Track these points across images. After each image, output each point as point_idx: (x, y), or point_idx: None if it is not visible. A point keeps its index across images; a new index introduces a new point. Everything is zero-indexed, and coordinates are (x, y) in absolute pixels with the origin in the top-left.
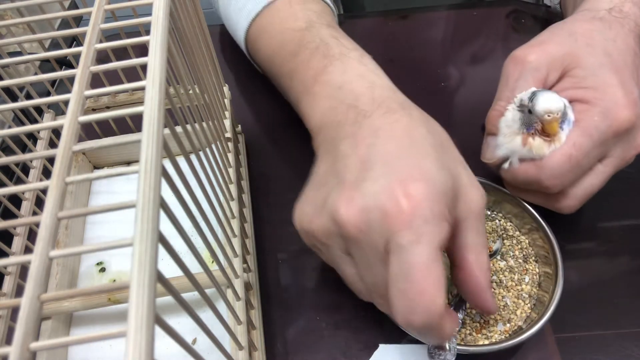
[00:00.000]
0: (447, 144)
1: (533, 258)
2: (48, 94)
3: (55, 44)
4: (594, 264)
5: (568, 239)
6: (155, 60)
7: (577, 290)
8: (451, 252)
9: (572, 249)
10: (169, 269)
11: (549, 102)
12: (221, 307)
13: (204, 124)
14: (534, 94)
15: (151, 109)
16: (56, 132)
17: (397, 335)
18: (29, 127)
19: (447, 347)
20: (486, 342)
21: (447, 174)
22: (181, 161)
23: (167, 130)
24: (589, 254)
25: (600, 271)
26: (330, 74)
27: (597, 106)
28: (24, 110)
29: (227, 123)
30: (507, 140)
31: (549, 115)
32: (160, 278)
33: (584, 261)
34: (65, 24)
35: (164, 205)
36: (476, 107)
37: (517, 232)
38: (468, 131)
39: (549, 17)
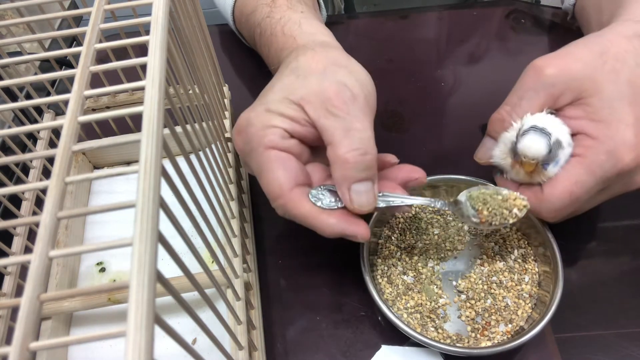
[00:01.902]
0: (305, 71)
1: (532, 257)
2: (48, 94)
3: (55, 44)
4: (594, 264)
5: (568, 239)
6: (154, 60)
7: (577, 290)
8: None
9: (572, 249)
10: (169, 269)
11: (527, 147)
12: (221, 307)
13: (204, 124)
14: (525, 132)
15: (151, 109)
16: (56, 132)
17: (398, 338)
18: (29, 127)
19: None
20: (489, 343)
21: (279, 96)
22: (181, 161)
23: (166, 130)
24: (589, 254)
25: (600, 271)
26: (270, 59)
27: (605, 144)
28: (23, 111)
29: (227, 123)
30: (502, 156)
31: (524, 157)
32: (160, 278)
33: (584, 261)
34: (65, 24)
35: (163, 205)
36: (475, 107)
37: (518, 233)
38: (467, 131)
39: (550, 18)
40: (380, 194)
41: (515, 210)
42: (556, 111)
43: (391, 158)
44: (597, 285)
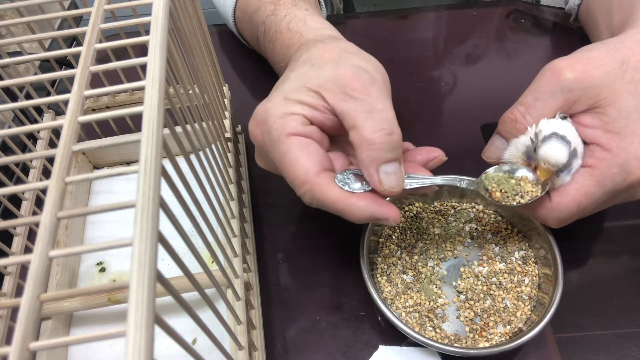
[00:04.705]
0: (319, 61)
1: (532, 260)
2: (48, 94)
3: (55, 44)
4: (594, 264)
5: (568, 238)
6: (154, 60)
7: (577, 290)
8: None
9: (572, 249)
10: (169, 269)
11: (549, 155)
12: (221, 307)
13: (204, 124)
14: (546, 137)
15: (150, 109)
16: (56, 132)
17: (396, 337)
18: (29, 127)
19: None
20: (487, 344)
21: (295, 85)
22: (181, 161)
23: (166, 130)
24: (589, 254)
25: (600, 271)
26: (276, 56)
27: (618, 157)
28: (23, 111)
29: (227, 123)
30: (512, 160)
31: (544, 164)
32: (160, 278)
33: (584, 261)
34: (65, 24)
35: (163, 205)
36: (475, 107)
37: (519, 235)
38: (468, 131)
39: (550, 18)
40: (406, 176)
41: (526, 196)
42: (570, 116)
43: (408, 145)
44: (597, 285)
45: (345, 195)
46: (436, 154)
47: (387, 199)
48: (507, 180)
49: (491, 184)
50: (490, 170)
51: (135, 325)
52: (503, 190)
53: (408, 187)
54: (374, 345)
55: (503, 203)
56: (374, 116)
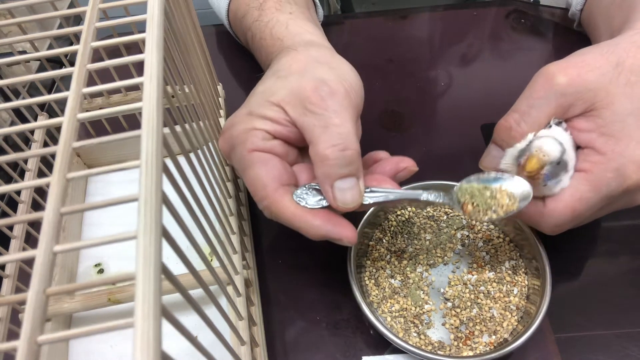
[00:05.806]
0: (286, 72)
1: (523, 270)
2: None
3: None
4: (594, 263)
5: (568, 239)
6: (152, 56)
7: (577, 290)
8: None
9: (572, 248)
10: (169, 268)
11: (544, 143)
12: (221, 304)
13: (200, 123)
14: (540, 137)
15: (150, 104)
16: (50, 134)
17: (382, 343)
18: (27, 126)
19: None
20: (470, 353)
21: (260, 99)
22: (179, 160)
23: (165, 129)
24: (589, 253)
25: (600, 271)
26: (262, 63)
27: (613, 161)
28: (20, 115)
29: (222, 121)
30: (507, 169)
31: (536, 151)
32: (165, 271)
33: (585, 261)
34: (64, 24)
35: (165, 199)
36: (475, 107)
37: (511, 244)
38: (467, 131)
39: (550, 18)
40: (368, 190)
41: (500, 210)
42: (565, 121)
43: (383, 154)
44: (597, 285)
45: (301, 212)
46: (405, 164)
47: (369, 212)
48: (482, 192)
49: (464, 196)
50: (469, 179)
51: (142, 314)
52: (475, 204)
53: (367, 202)
54: (374, 345)
55: (473, 218)
56: (329, 131)
